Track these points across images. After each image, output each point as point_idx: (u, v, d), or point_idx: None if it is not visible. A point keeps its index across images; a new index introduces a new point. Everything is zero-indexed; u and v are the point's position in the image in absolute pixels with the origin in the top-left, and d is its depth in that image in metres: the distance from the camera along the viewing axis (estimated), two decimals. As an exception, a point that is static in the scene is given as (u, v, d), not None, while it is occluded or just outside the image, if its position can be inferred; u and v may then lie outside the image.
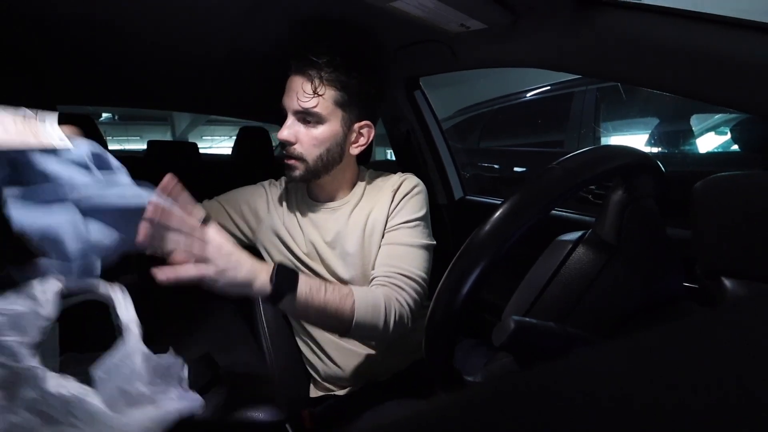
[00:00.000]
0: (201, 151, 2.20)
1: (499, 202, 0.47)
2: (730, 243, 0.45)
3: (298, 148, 0.84)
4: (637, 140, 2.60)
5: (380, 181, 0.95)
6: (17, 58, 0.88)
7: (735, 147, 1.92)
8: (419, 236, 0.86)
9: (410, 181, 0.92)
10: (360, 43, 0.92)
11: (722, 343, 0.16)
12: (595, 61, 0.74)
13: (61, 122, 0.53)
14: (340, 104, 0.83)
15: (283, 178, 0.99)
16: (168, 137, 9.96)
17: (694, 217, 0.48)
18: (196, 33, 1.01)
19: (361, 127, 0.87)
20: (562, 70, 0.82)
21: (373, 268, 0.86)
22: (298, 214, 0.93)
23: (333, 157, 0.86)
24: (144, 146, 2.18)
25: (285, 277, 0.66)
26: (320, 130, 0.83)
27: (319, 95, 0.81)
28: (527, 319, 0.44)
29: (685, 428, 0.12)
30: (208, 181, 2.04)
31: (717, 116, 2.19)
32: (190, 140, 3.29)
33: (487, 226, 0.46)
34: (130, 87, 1.52)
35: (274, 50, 1.07)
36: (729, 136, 1.99)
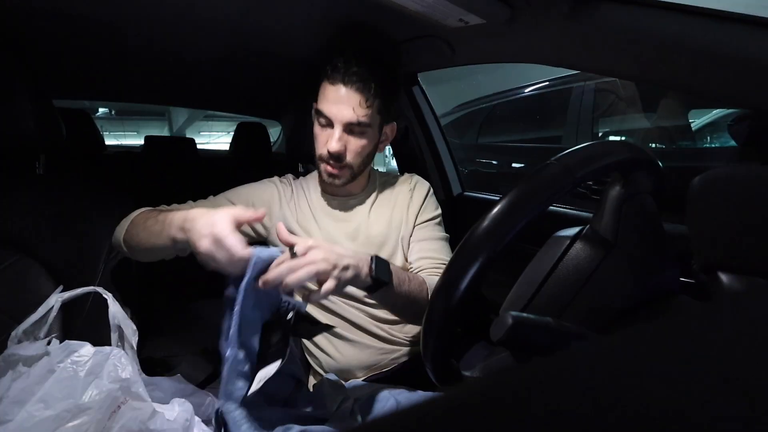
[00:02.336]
0: (198, 146, 2.19)
1: (497, 198, 0.47)
2: (726, 238, 0.46)
3: (347, 159, 0.87)
4: (636, 135, 2.60)
5: (391, 179, 1.02)
6: (13, 51, 0.87)
7: (732, 142, 1.93)
8: (443, 230, 0.98)
9: (422, 182, 1.01)
10: (382, 47, 0.98)
11: (719, 338, 0.16)
12: (593, 57, 0.74)
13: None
14: (381, 112, 0.87)
15: (289, 175, 1.02)
16: (165, 133, 9.90)
17: (690, 212, 0.48)
18: (194, 28, 1.01)
19: (388, 128, 0.92)
20: (560, 65, 0.82)
21: (406, 260, 0.93)
22: (312, 209, 0.95)
23: (370, 161, 0.93)
24: (141, 141, 2.17)
25: (382, 268, 0.70)
26: (366, 140, 0.87)
27: (368, 107, 0.84)
28: (525, 314, 0.44)
29: (681, 423, 0.12)
30: (205, 176, 2.04)
31: (715, 111, 2.19)
32: (188, 136, 3.27)
33: (485, 222, 0.46)
34: (127, 82, 1.51)
35: (272, 46, 1.07)
36: (726, 131, 1.99)
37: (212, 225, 0.60)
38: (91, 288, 0.81)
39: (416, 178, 1.02)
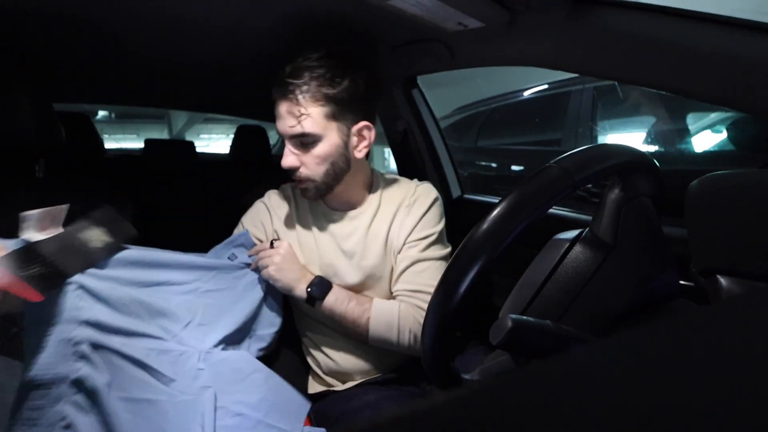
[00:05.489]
0: (198, 149, 2.19)
1: (497, 201, 0.47)
2: (725, 241, 0.46)
3: (304, 171, 0.83)
4: (634, 139, 2.61)
5: (396, 189, 0.94)
6: (12, 55, 0.87)
7: (731, 146, 1.93)
8: (439, 248, 0.89)
9: (426, 193, 0.92)
10: (343, 45, 0.89)
11: (718, 341, 0.16)
12: (591, 60, 0.74)
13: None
14: (330, 117, 0.81)
15: (287, 185, 0.99)
16: (165, 135, 9.91)
17: (689, 215, 0.48)
18: (193, 30, 1.01)
19: (359, 130, 0.85)
20: (559, 68, 0.82)
21: (391, 280, 0.90)
22: (312, 222, 0.92)
23: (340, 168, 0.85)
24: (141, 144, 2.17)
25: (318, 287, 0.84)
26: (320, 149, 0.81)
27: (306, 115, 0.79)
28: (524, 317, 0.44)
29: (680, 425, 0.12)
30: (205, 179, 2.04)
31: (713, 115, 2.19)
32: (187, 139, 3.28)
33: (485, 225, 0.46)
34: (127, 85, 1.51)
35: (271, 48, 1.07)
36: (725, 134, 1.99)
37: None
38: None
39: (422, 188, 0.94)
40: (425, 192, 0.93)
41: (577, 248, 0.52)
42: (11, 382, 0.58)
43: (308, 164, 0.83)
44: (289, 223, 0.93)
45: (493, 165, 3.49)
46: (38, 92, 0.90)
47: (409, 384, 0.90)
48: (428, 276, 0.86)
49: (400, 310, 0.84)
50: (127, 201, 0.96)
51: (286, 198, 0.96)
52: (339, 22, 0.92)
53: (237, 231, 0.95)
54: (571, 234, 0.54)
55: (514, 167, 3.25)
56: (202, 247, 0.92)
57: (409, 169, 1.40)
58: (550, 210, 0.52)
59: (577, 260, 0.51)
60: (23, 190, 0.92)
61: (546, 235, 0.57)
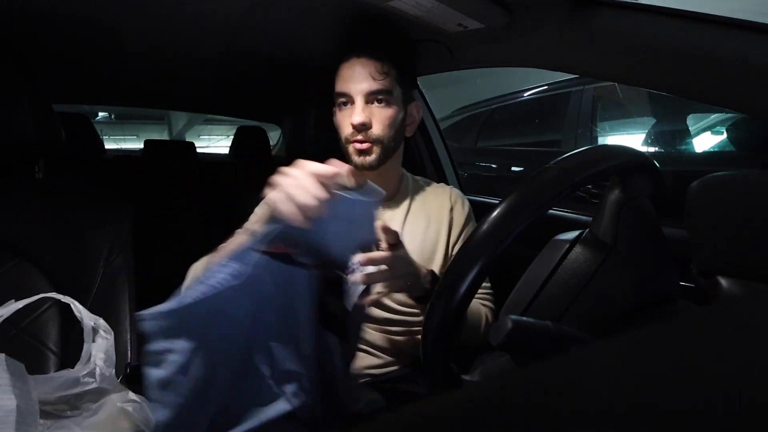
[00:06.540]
0: (198, 150, 2.20)
1: (497, 202, 0.47)
2: (725, 242, 0.46)
3: (375, 131, 0.82)
4: (634, 140, 2.61)
5: (429, 190, 0.96)
6: (12, 55, 0.87)
7: (731, 146, 1.93)
8: None
9: (461, 196, 0.95)
10: (394, 29, 0.93)
11: (718, 342, 0.16)
12: (591, 61, 0.74)
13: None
14: (400, 83, 0.84)
15: None
16: (165, 136, 9.92)
17: (689, 216, 0.48)
18: (194, 32, 1.01)
19: (411, 108, 0.88)
20: (558, 69, 0.82)
21: None
22: None
23: (397, 141, 0.87)
24: (141, 145, 2.17)
25: (435, 280, 0.76)
26: (392, 110, 0.83)
27: (387, 74, 0.82)
28: (524, 318, 0.44)
29: (680, 426, 0.12)
30: (205, 180, 2.04)
31: (713, 116, 2.20)
32: (187, 139, 3.28)
33: (484, 226, 0.46)
34: (127, 86, 1.51)
35: (271, 50, 1.07)
36: (725, 135, 1.99)
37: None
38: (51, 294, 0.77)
39: (456, 192, 0.95)
40: (460, 196, 0.95)
41: (577, 249, 0.52)
42: (15, 383, 0.58)
43: (380, 123, 0.83)
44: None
45: (493, 166, 3.50)
46: (38, 92, 0.90)
47: (410, 384, 0.90)
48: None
49: (486, 312, 0.87)
50: (126, 202, 0.96)
51: None
52: (340, 23, 0.92)
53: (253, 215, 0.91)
54: (571, 235, 0.54)
55: (514, 168, 3.25)
56: (202, 248, 0.92)
57: (409, 170, 1.40)
58: (550, 211, 0.52)
59: (577, 261, 0.51)
60: (23, 191, 0.92)
61: (546, 235, 0.57)
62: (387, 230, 0.65)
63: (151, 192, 1.87)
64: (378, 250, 0.64)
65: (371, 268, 0.60)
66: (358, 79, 0.82)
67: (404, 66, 0.86)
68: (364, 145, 0.82)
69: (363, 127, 0.82)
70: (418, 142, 1.35)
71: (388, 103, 0.83)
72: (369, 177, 0.84)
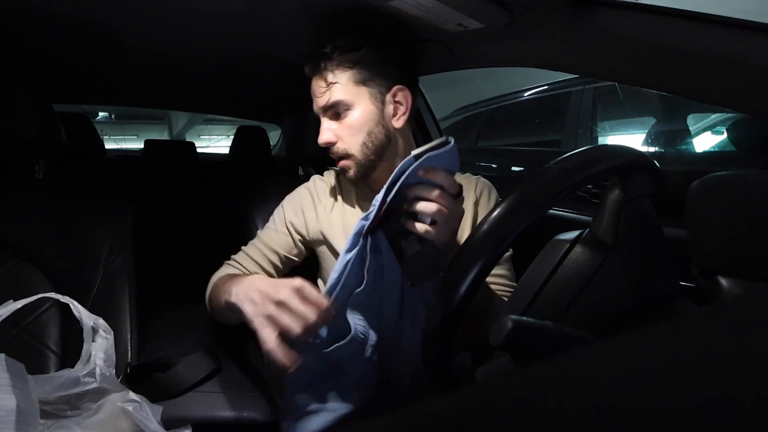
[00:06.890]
0: (198, 150, 2.20)
1: (497, 202, 0.47)
2: (725, 242, 0.46)
3: (340, 146, 0.80)
4: (634, 139, 2.61)
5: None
6: (12, 55, 0.88)
7: (731, 146, 1.93)
8: None
9: (490, 189, 0.89)
10: (363, 19, 0.87)
11: (718, 343, 0.16)
12: (591, 61, 0.74)
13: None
14: (360, 82, 0.78)
15: (330, 172, 0.95)
16: (165, 136, 9.93)
17: (690, 216, 0.48)
18: (194, 32, 1.01)
19: (394, 95, 0.80)
20: (559, 69, 0.82)
21: None
22: (359, 209, 0.86)
23: (379, 140, 0.80)
24: (141, 145, 2.17)
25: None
26: (352, 117, 0.78)
27: (334, 83, 0.78)
28: (524, 318, 0.44)
29: (680, 427, 0.12)
30: (205, 180, 2.04)
31: (713, 116, 2.19)
32: (188, 139, 3.28)
33: (484, 226, 0.46)
34: (127, 86, 1.51)
35: (272, 49, 1.07)
36: (725, 135, 1.99)
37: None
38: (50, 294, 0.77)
39: (482, 183, 0.89)
40: (487, 185, 0.89)
41: (578, 249, 0.52)
42: (15, 383, 0.58)
43: (343, 137, 0.79)
44: (333, 210, 0.87)
45: (493, 166, 3.50)
46: (38, 92, 0.90)
47: (410, 384, 0.90)
48: (508, 268, 0.82)
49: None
50: (127, 202, 0.96)
51: (330, 184, 0.91)
52: (339, 22, 0.92)
53: (277, 214, 0.90)
54: (572, 235, 0.54)
55: (514, 168, 3.25)
56: (202, 248, 0.92)
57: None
58: (550, 211, 0.52)
59: (577, 261, 0.51)
60: (23, 191, 0.92)
61: (546, 235, 0.57)
62: (453, 181, 0.63)
63: (152, 192, 1.87)
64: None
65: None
66: (316, 99, 0.81)
67: (371, 60, 0.78)
68: (341, 163, 0.82)
69: (329, 146, 0.81)
70: (419, 142, 1.35)
71: (348, 110, 0.78)
72: (372, 178, 0.84)
